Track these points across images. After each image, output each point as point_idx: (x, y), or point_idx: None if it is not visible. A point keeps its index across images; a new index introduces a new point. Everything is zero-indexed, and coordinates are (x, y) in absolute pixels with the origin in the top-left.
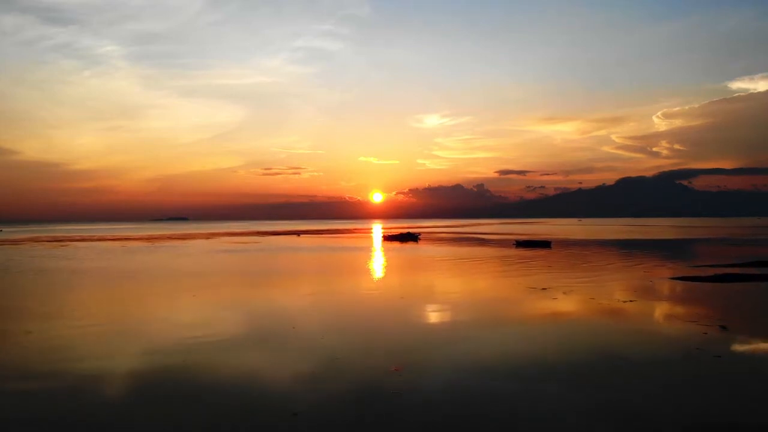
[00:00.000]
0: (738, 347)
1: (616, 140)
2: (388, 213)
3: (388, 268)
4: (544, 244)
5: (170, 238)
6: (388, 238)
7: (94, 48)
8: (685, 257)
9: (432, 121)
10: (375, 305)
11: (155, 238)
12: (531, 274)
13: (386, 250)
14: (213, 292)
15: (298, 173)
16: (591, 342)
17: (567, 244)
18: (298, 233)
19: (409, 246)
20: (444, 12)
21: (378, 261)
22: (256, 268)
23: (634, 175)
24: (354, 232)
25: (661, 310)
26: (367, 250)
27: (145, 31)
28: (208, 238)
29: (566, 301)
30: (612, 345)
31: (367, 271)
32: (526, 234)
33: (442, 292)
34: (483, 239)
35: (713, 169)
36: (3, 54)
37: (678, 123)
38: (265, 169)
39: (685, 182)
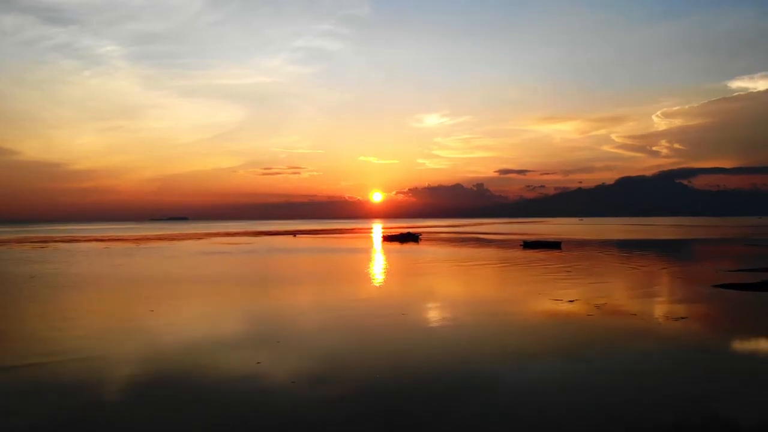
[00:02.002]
0: None
1: (616, 140)
2: (388, 212)
3: (387, 274)
4: (553, 245)
5: (161, 238)
6: (387, 239)
7: (94, 48)
8: (710, 259)
9: (432, 120)
10: (369, 327)
11: (145, 239)
12: (550, 282)
13: (385, 252)
14: (172, 306)
15: (298, 173)
16: (671, 390)
17: (577, 244)
18: (294, 233)
19: (410, 247)
20: (444, 12)
21: (376, 265)
22: (237, 274)
23: (633, 174)
24: (353, 232)
25: (728, 331)
26: (365, 252)
27: (145, 31)
28: (199, 238)
29: (606, 320)
30: (707, 397)
31: (363, 279)
32: (531, 234)
33: (451, 306)
34: (486, 239)
35: (713, 168)
36: (3, 54)
37: (677, 122)
38: (265, 169)
39: (684, 181)
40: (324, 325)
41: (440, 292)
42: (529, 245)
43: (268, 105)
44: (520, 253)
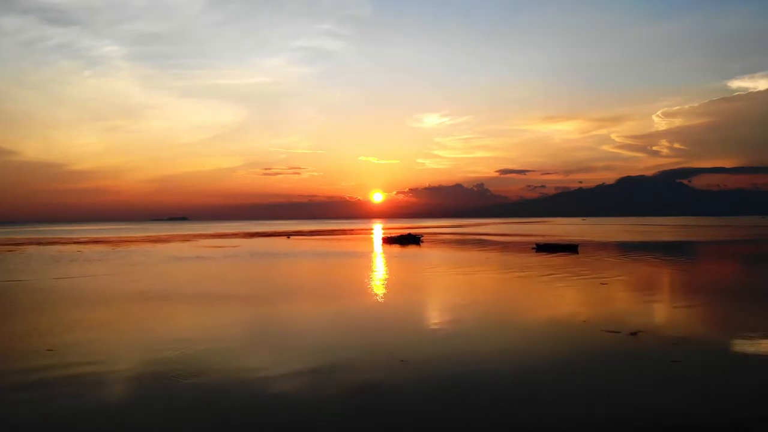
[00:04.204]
0: None
1: (617, 139)
2: (388, 212)
3: (384, 288)
4: (569, 248)
5: (146, 240)
6: (387, 241)
7: (94, 48)
8: (757, 265)
9: (432, 120)
10: (348, 392)
11: (128, 241)
12: (587, 300)
13: (384, 257)
14: (85, 341)
15: (298, 173)
16: None
17: (594, 247)
18: (288, 235)
19: (411, 250)
20: (444, 12)
21: (371, 275)
22: (196, 288)
23: (634, 174)
24: (351, 233)
25: None
26: (361, 256)
27: (146, 31)
28: (186, 240)
29: (706, 369)
30: None
31: (352, 296)
32: (536, 235)
33: (467, 345)
34: (492, 241)
35: (713, 168)
36: (3, 54)
37: (678, 122)
38: (265, 169)
39: (685, 181)
40: (280, 384)
41: (449, 317)
42: (542, 248)
43: (268, 105)
44: (534, 258)
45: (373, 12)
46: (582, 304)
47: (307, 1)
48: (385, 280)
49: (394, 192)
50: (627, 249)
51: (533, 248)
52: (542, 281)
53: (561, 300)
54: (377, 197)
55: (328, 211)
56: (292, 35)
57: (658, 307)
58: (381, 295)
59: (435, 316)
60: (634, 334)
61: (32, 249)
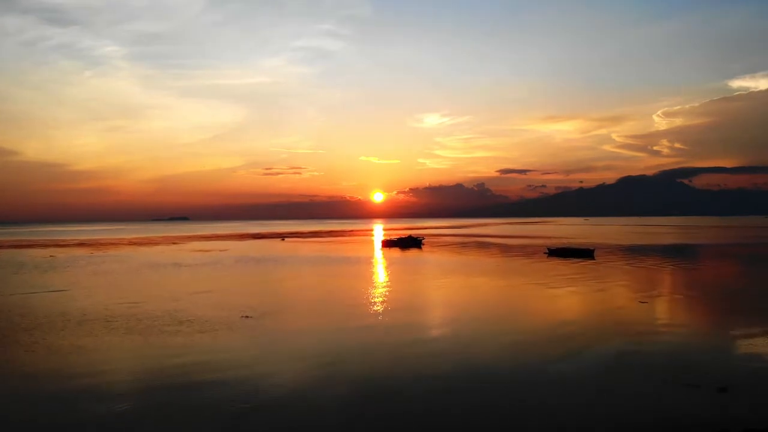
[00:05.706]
0: None
1: (617, 139)
2: (388, 212)
3: (382, 308)
4: (584, 253)
5: (130, 243)
6: (387, 244)
7: (94, 48)
8: None
9: (432, 120)
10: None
11: (110, 244)
12: (633, 328)
13: (382, 264)
14: None
15: (299, 173)
16: None
17: (609, 251)
18: (282, 237)
19: (412, 255)
20: (444, 12)
21: (365, 289)
22: (155, 307)
23: (634, 174)
24: (349, 235)
25: None
26: (357, 263)
27: (146, 31)
28: (173, 243)
29: None
30: None
31: (337, 321)
32: (539, 236)
33: (490, 413)
34: (497, 244)
35: (714, 167)
36: (4, 54)
37: (678, 122)
38: (266, 169)
39: (685, 181)
40: None
41: (462, 352)
42: (555, 253)
43: (268, 105)
44: (548, 264)
45: (373, 12)
46: (632, 337)
47: (307, 1)
48: (384, 297)
49: (395, 192)
50: (645, 253)
51: (545, 253)
52: (567, 297)
53: (601, 328)
54: (378, 197)
55: (328, 211)
56: (292, 35)
57: (731, 342)
58: (371, 319)
59: (447, 349)
60: (722, 389)
61: (4, 254)
